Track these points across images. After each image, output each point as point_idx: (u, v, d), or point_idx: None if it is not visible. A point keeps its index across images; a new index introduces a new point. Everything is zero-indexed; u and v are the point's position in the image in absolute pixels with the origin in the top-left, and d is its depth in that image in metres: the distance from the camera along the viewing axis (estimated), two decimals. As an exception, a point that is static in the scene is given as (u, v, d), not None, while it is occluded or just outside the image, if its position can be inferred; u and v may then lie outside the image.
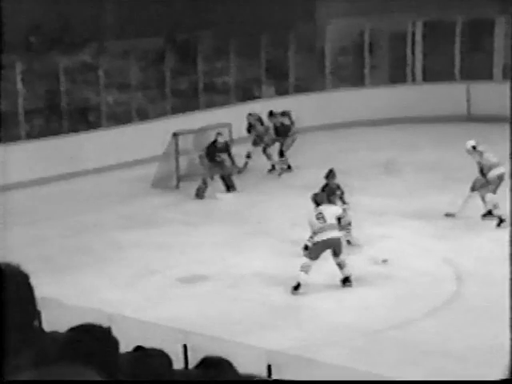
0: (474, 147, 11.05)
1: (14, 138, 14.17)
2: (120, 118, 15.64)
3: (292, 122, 14.27)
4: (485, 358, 7.10)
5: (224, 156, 13.33)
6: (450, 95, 17.14)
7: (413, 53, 17.92)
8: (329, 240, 9.04)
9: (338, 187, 10.44)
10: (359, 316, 8.44)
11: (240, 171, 14.12)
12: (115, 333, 4.55)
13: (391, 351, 7.56)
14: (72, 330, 2.82)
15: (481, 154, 10.96)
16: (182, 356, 5.82)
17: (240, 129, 14.45)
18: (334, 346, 7.70)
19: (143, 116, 15.89)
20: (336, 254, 9.14)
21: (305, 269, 9.01)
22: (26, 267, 2.32)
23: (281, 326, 8.32)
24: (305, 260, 9.09)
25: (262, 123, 14.37)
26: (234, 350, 4.76)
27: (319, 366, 6.00)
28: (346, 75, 18.22)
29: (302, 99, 16.77)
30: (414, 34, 17.88)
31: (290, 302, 8.96)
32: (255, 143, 14.40)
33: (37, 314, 2.60)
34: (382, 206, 11.80)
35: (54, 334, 3.28)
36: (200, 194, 13.23)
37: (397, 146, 15.45)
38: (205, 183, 13.21)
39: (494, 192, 10.76)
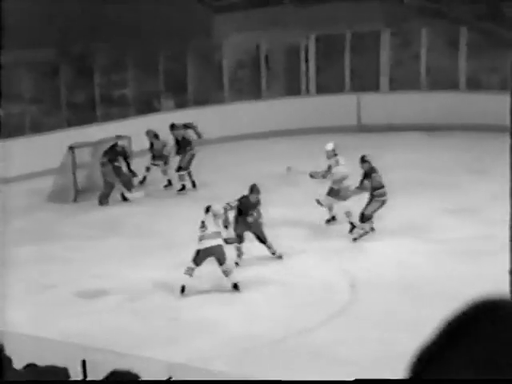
0: (333, 150, 11.55)
1: None
2: (13, 130, 15.20)
3: (198, 135, 14.28)
4: (376, 363, 7.37)
5: (122, 162, 13.29)
6: (341, 106, 17.69)
7: (306, 66, 18.39)
8: (209, 248, 9.31)
9: (258, 202, 10.48)
10: (258, 325, 8.58)
11: (141, 182, 14.07)
12: (9, 351, 4.44)
13: (289, 359, 7.73)
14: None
15: (337, 162, 11.49)
16: (80, 372, 5.74)
17: (140, 142, 14.38)
18: (234, 356, 7.80)
19: (37, 129, 15.53)
20: (220, 262, 9.36)
21: (188, 272, 9.39)
22: None
23: (182, 337, 8.34)
24: (191, 264, 9.40)
25: (158, 138, 14.35)
26: (134, 364, 4.76)
27: (219, 376, 6.07)
28: (244, 88, 18.47)
29: (200, 112, 16.85)
30: (307, 48, 18.36)
31: (191, 313, 9.01)
32: (154, 158, 14.38)
33: None
34: (281, 216, 12.02)
35: None
36: (103, 201, 13.06)
37: (294, 156, 15.76)
38: (110, 189, 13.06)
39: (345, 200, 11.31)
